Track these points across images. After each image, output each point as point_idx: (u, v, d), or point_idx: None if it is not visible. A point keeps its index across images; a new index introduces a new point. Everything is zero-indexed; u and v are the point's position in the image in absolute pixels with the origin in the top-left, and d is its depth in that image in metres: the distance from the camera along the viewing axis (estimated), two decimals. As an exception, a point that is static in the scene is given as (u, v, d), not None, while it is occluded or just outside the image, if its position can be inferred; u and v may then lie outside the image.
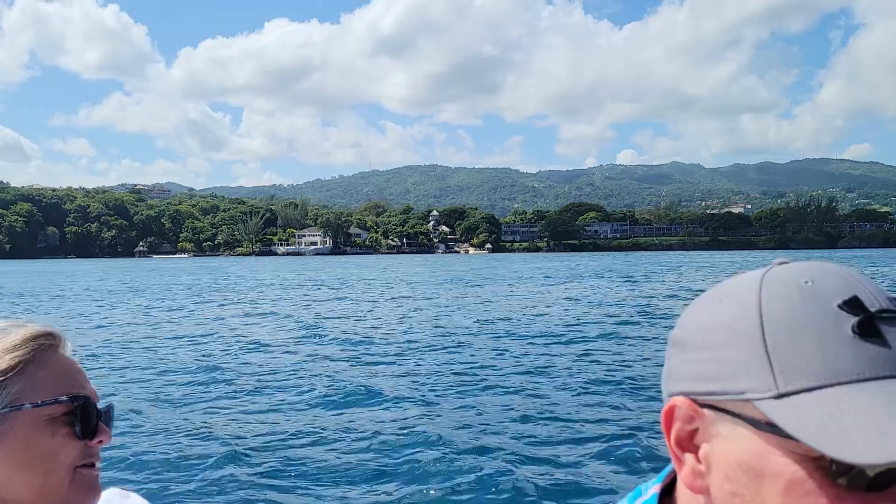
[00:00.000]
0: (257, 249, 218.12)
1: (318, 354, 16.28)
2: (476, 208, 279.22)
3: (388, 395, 11.46)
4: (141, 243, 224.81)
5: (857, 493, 0.60)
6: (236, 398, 11.60)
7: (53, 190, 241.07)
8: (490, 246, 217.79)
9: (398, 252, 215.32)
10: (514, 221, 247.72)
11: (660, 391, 0.72)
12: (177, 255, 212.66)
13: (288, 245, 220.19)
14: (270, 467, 7.89)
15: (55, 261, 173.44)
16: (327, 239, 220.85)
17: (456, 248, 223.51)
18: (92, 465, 1.14)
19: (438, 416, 10.12)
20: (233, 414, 10.52)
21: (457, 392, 11.72)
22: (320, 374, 13.58)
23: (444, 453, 8.23)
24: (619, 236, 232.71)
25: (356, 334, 19.85)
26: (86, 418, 1.11)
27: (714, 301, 0.72)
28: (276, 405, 11.07)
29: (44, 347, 1.13)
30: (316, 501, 6.98)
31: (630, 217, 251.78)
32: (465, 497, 7.04)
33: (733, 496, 0.67)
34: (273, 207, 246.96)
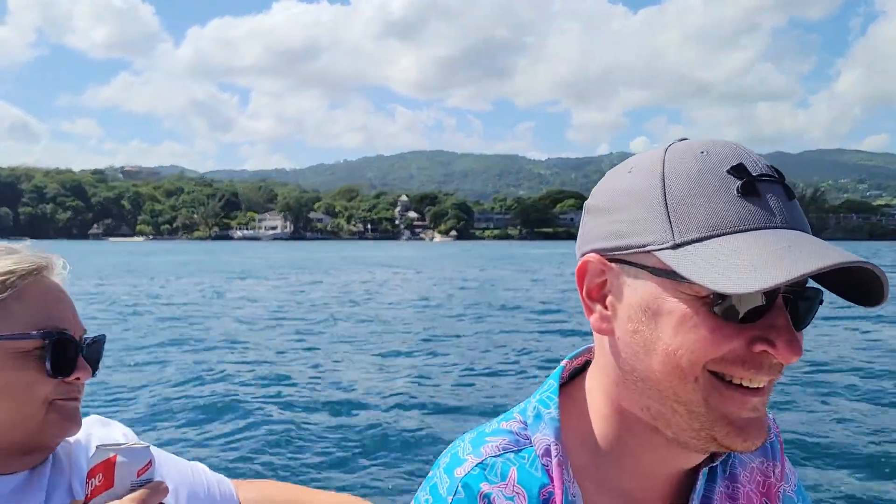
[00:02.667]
0: (214, 233, 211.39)
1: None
2: (451, 194, 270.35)
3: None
4: (95, 225, 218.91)
5: (732, 322, 0.74)
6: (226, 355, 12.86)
7: (12, 169, 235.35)
8: (455, 233, 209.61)
9: (360, 238, 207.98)
10: (494, 209, 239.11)
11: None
12: (133, 239, 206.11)
13: (247, 229, 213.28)
14: (254, 416, 8.40)
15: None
16: (288, 223, 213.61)
17: (422, 235, 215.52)
18: (73, 398, 1.10)
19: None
20: (223, 367, 11.48)
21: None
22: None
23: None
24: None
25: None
26: (59, 355, 1.08)
27: (623, 172, 0.84)
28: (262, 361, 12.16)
29: (26, 277, 1.09)
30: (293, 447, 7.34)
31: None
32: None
33: (634, 333, 0.80)
34: (236, 190, 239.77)
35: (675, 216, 0.76)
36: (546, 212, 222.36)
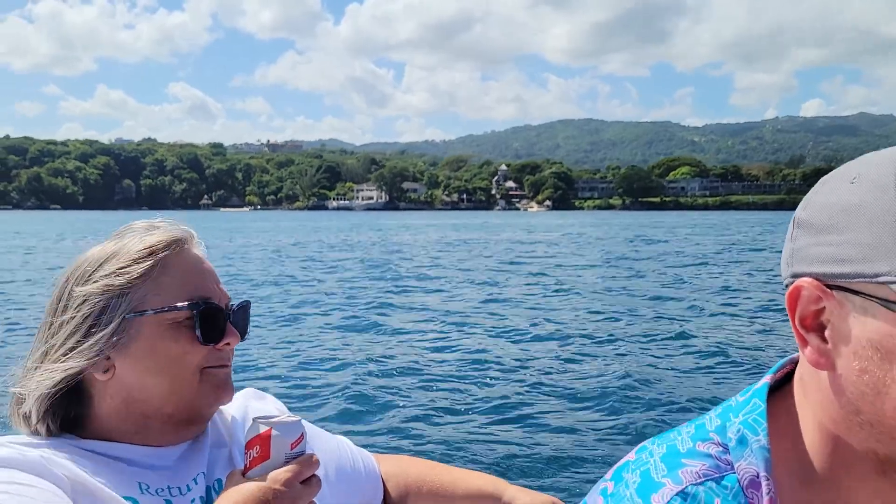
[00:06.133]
0: (311, 203, 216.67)
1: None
2: (558, 163, 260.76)
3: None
4: (206, 196, 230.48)
5: None
6: (370, 329, 12.61)
7: (138, 144, 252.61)
8: (549, 203, 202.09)
9: (453, 208, 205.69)
10: (605, 177, 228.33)
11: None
12: (241, 209, 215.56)
13: (343, 199, 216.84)
14: (393, 394, 8.31)
15: (120, 212, 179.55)
16: (382, 194, 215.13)
17: (517, 205, 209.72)
18: (223, 366, 1.15)
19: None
20: (365, 342, 11.38)
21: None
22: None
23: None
24: (708, 193, 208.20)
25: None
26: (207, 323, 1.12)
27: (844, 181, 0.70)
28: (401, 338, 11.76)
29: (171, 251, 1.13)
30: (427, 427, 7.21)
31: (732, 172, 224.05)
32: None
33: (862, 373, 0.67)
34: (340, 161, 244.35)
35: None
36: (652, 180, 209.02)
